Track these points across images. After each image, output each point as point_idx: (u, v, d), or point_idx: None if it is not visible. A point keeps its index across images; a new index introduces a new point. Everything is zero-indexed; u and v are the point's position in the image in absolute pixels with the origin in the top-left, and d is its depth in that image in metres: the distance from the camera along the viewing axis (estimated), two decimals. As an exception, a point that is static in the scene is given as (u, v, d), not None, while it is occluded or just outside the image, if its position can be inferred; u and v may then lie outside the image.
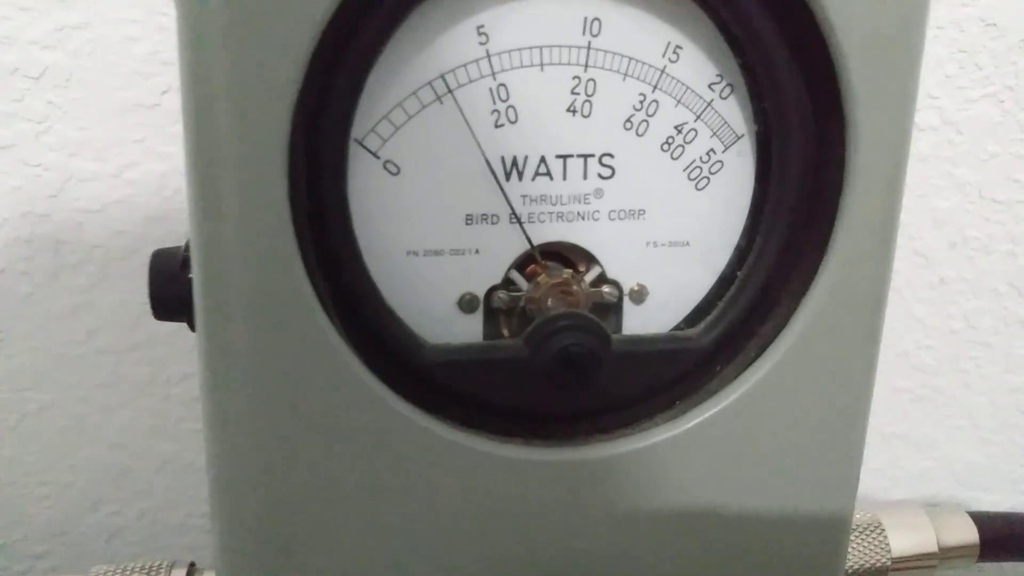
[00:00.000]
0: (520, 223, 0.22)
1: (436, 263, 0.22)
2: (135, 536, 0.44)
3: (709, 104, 0.23)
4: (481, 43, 0.21)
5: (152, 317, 0.26)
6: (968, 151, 0.41)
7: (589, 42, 0.22)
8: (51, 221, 0.39)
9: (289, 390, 0.20)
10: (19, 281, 0.39)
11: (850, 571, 0.30)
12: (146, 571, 0.26)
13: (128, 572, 0.26)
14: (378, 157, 0.21)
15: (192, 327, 0.25)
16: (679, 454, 0.23)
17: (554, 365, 0.22)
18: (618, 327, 0.24)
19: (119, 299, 0.40)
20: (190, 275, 0.23)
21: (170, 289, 0.25)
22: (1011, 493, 0.47)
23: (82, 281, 0.39)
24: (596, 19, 0.22)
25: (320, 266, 0.20)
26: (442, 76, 0.21)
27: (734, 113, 0.23)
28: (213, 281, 0.19)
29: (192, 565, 0.29)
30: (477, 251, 0.23)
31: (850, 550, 0.30)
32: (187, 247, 0.25)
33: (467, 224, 0.22)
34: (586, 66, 0.22)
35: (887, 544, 0.31)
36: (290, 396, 0.20)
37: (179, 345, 0.41)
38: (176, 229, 0.39)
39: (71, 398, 0.41)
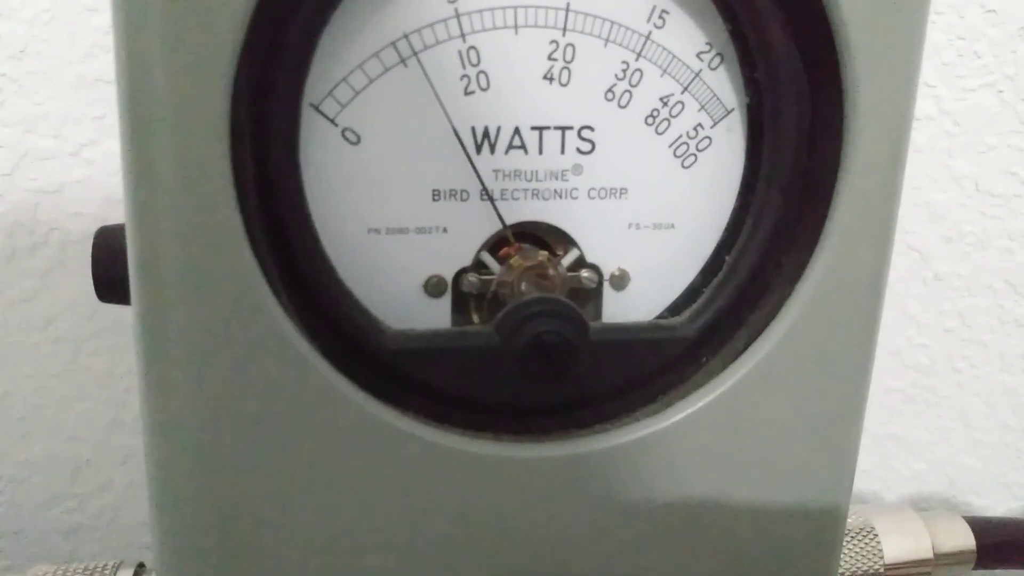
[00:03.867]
0: (492, 200, 0.21)
1: (400, 242, 0.21)
2: (94, 534, 0.42)
3: (697, 75, 0.21)
4: (450, 1, 0.19)
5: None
6: (965, 142, 0.40)
7: (568, 3, 0.20)
8: (5, 201, 0.37)
9: (234, 378, 0.19)
10: (-29, 264, 0.37)
11: (841, 578, 0.29)
12: (89, 572, 0.24)
13: (70, 573, 0.24)
14: (336, 124, 0.19)
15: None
16: (662, 451, 0.21)
17: (527, 354, 0.20)
18: (597, 314, 0.22)
19: (77, 284, 0.38)
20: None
21: (115, 269, 0.23)
22: (1004, 497, 0.46)
23: (38, 265, 0.38)
24: None
25: (270, 242, 0.19)
26: (406, 36, 0.19)
27: (724, 85, 0.21)
28: (148, 257, 0.18)
29: (141, 565, 0.27)
30: (445, 230, 0.21)
31: (842, 555, 0.29)
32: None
33: (434, 200, 0.21)
34: (564, 30, 0.20)
35: (880, 550, 0.29)
36: (235, 384, 0.19)
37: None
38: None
39: (26, 388, 0.40)
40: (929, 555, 0.30)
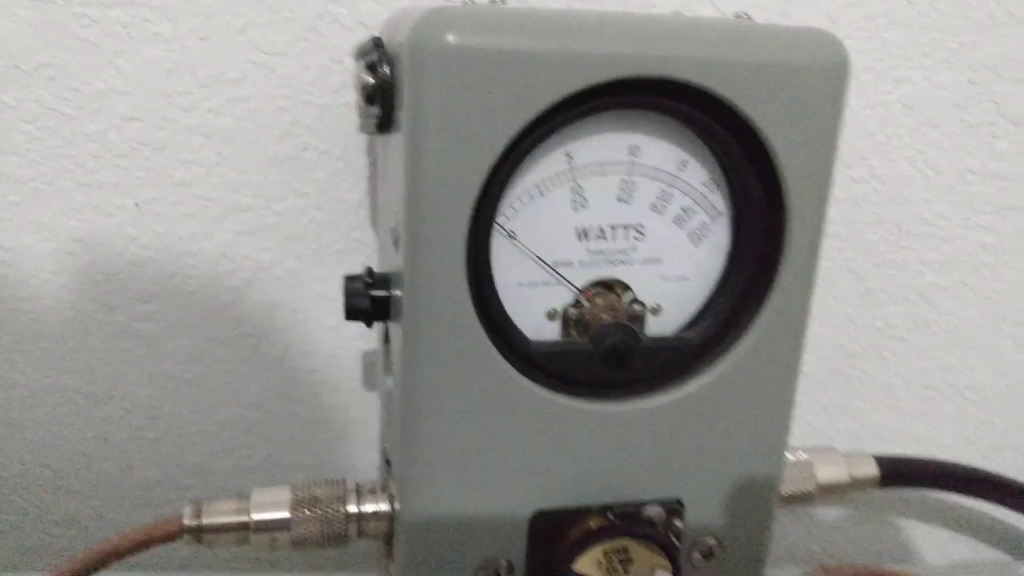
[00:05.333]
0: (584, 267, 0.36)
1: (535, 291, 0.35)
2: (262, 474, 0.57)
3: (703, 195, 0.37)
4: (568, 162, 0.35)
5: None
6: (889, 198, 0.56)
7: (631, 160, 0.35)
8: (214, 239, 0.52)
9: (458, 369, 0.33)
10: (186, 281, 0.52)
11: (787, 495, 0.44)
12: (329, 484, 0.40)
13: (317, 484, 0.40)
14: (504, 229, 0.35)
15: (368, 325, 0.39)
16: (681, 409, 0.37)
17: (607, 353, 0.36)
18: (643, 331, 0.37)
19: (263, 298, 0.53)
20: (371, 292, 0.37)
21: (358, 302, 0.38)
22: (915, 447, 0.61)
23: (236, 283, 0.53)
24: (636, 145, 0.35)
25: (477, 295, 0.34)
26: (543, 181, 0.35)
27: (718, 200, 0.36)
28: (417, 301, 0.33)
29: (357, 485, 0.42)
30: (559, 283, 0.36)
31: (788, 478, 0.45)
32: (368, 274, 0.39)
33: (554, 267, 0.36)
34: (630, 174, 0.35)
35: (814, 474, 0.45)
36: (458, 372, 0.34)
37: (304, 329, 0.54)
38: (303, 251, 0.52)
39: (220, 370, 0.54)
40: (846, 478, 0.46)
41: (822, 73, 0.33)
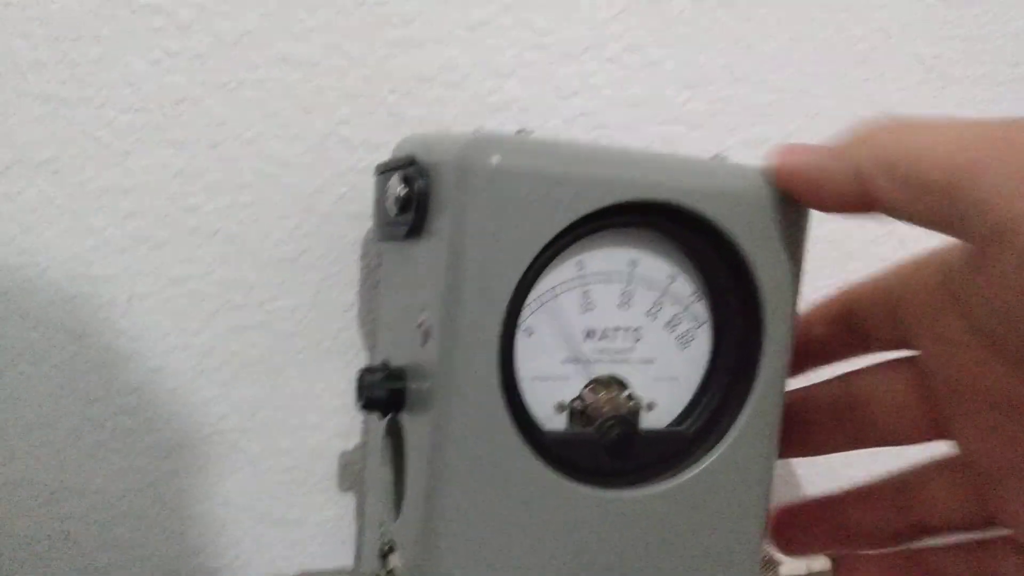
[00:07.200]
0: (590, 364, 0.41)
1: (545, 385, 0.39)
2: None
3: (689, 305, 0.42)
4: (579, 270, 0.39)
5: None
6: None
7: (630, 271, 0.40)
8: (202, 335, 0.53)
9: (485, 456, 0.36)
10: (170, 376, 0.53)
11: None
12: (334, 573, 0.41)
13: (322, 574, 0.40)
14: (523, 327, 0.39)
15: (383, 416, 0.41)
16: (674, 499, 0.41)
17: (609, 443, 0.40)
18: (639, 424, 0.42)
19: (246, 395, 0.54)
20: (388, 384, 0.40)
21: (375, 393, 0.41)
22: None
23: (221, 378, 0.54)
24: (635, 259, 0.40)
25: (503, 387, 0.37)
26: (558, 285, 0.39)
27: (702, 310, 0.42)
28: (450, 392, 0.36)
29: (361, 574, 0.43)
30: (567, 378, 0.40)
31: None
32: (383, 367, 0.42)
33: (563, 364, 0.40)
34: (628, 283, 0.40)
35: (777, 561, 0.49)
36: (485, 459, 0.36)
37: (285, 427, 0.55)
38: (291, 349, 0.54)
39: (194, 467, 0.54)
40: (804, 572, 0.50)
41: (790, 204, 0.40)
